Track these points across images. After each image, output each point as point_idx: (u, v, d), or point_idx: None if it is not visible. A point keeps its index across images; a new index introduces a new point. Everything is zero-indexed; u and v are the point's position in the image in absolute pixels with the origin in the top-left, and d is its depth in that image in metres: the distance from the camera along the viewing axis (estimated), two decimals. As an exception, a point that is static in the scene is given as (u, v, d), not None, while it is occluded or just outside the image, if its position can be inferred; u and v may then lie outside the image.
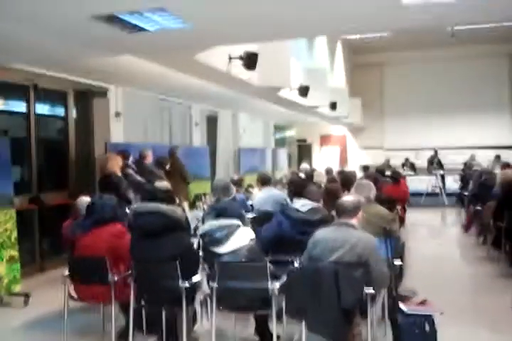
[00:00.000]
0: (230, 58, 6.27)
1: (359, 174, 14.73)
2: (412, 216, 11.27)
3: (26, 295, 5.56)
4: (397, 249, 4.43)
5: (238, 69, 6.56)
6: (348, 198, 3.81)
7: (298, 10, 3.91)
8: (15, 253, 5.67)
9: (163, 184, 5.13)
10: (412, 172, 16.57)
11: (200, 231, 3.93)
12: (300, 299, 3.56)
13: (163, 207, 3.89)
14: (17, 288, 5.68)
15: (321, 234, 3.70)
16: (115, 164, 6.43)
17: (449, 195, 14.94)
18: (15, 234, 5.69)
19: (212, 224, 3.88)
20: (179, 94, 9.53)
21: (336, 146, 19.66)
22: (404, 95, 19.16)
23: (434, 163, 17.24)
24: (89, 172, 7.95)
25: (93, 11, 3.71)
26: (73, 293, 4.28)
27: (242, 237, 3.84)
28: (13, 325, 5.02)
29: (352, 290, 3.44)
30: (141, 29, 4.21)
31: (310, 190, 4.92)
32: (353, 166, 18.87)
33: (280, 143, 17.90)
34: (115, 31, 4.18)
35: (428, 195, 15.31)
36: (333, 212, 4.82)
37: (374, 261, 3.50)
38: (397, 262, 4.11)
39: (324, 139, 19.94)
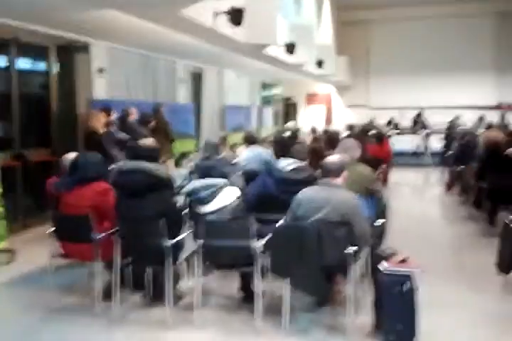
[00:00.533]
0: (216, 13, 6.12)
1: (344, 133, 14.85)
2: (396, 175, 11.30)
3: (11, 252, 5.58)
4: (380, 208, 4.48)
5: (224, 25, 6.40)
6: (332, 158, 3.82)
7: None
8: (0, 209, 5.65)
9: (149, 141, 5.07)
10: (396, 131, 16.62)
11: (185, 190, 3.92)
12: (284, 257, 3.62)
13: (147, 165, 3.85)
14: (2, 245, 5.69)
15: (306, 193, 3.72)
16: (97, 121, 6.33)
17: (433, 154, 15.08)
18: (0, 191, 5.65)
19: (197, 183, 3.88)
20: (164, 50, 9.31)
21: (322, 105, 19.57)
22: (390, 54, 18.95)
23: (419, 123, 17.35)
24: (72, 128, 7.85)
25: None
26: (59, 250, 4.30)
27: (227, 196, 3.86)
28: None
29: (335, 248, 3.50)
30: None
31: (295, 149, 4.92)
32: (339, 125, 18.86)
33: (266, 101, 17.76)
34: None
35: (412, 154, 15.44)
36: (318, 172, 4.89)
37: (357, 220, 3.55)
38: (380, 221, 4.18)
39: (310, 98, 19.82)
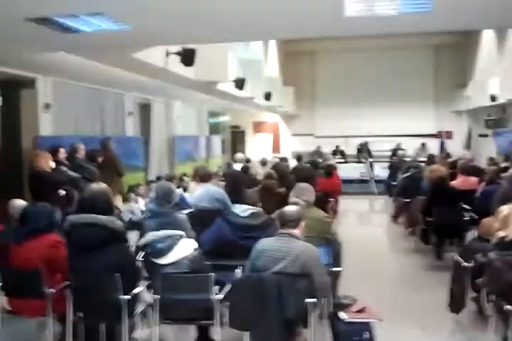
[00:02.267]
0: (168, 54, 6.13)
1: (292, 162, 15.04)
2: (342, 203, 11.38)
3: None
4: (336, 252, 4.53)
5: (176, 65, 6.42)
6: (290, 208, 3.84)
7: (241, 17, 3.86)
8: None
9: (101, 188, 4.92)
10: (342, 160, 17.02)
11: (141, 242, 3.85)
12: (244, 310, 3.58)
13: (102, 218, 3.75)
14: None
15: (264, 244, 3.72)
16: (44, 162, 6.14)
17: (377, 181, 15.51)
18: None
19: (154, 234, 3.82)
20: (112, 83, 9.24)
21: (269, 133, 19.81)
22: (335, 84, 19.48)
23: (363, 151, 17.87)
24: (16, 166, 7.61)
25: (27, 14, 3.50)
26: (6, 306, 4.11)
27: (185, 248, 3.81)
28: None
29: (295, 300, 3.50)
30: (77, 30, 4.02)
31: (245, 195, 4.93)
32: (285, 153, 19.12)
33: (214, 129, 17.80)
34: (49, 32, 3.97)
35: (358, 181, 15.82)
36: (274, 215, 4.91)
37: (316, 272, 3.57)
38: (337, 269, 4.23)
39: (257, 126, 20.03)
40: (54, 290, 3.88)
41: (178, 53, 6.13)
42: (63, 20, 3.71)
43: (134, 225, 7.80)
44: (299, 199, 4.85)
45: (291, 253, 3.57)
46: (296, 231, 3.73)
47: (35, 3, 3.29)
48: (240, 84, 9.37)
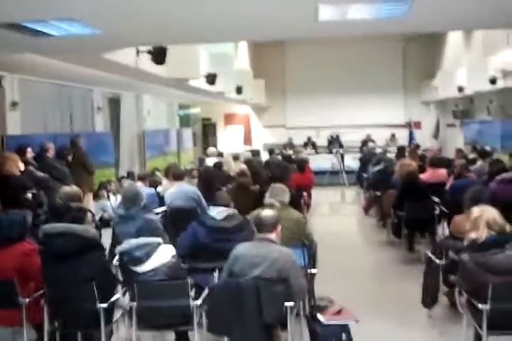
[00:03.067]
0: (138, 52, 6.04)
1: (264, 154, 15.07)
2: (314, 195, 11.27)
3: None
4: (311, 253, 4.58)
5: (146, 63, 6.33)
6: (266, 213, 3.85)
7: (211, 18, 3.82)
8: None
9: (71, 195, 4.84)
10: (313, 151, 17.12)
11: (119, 249, 3.83)
12: (222, 315, 3.60)
13: (75, 227, 3.72)
14: None
15: (242, 249, 3.73)
16: (13, 165, 6.01)
17: (347, 172, 15.67)
18: None
19: (131, 242, 3.80)
20: (80, 80, 9.06)
21: (240, 125, 19.75)
22: (305, 75, 19.48)
23: (334, 142, 18.01)
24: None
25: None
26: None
27: (162, 255, 3.80)
28: None
29: (274, 305, 3.53)
30: (46, 34, 3.93)
31: (218, 195, 4.90)
32: (257, 145, 19.15)
33: (184, 121, 17.66)
34: (18, 36, 3.87)
35: (329, 173, 15.95)
36: (249, 216, 4.92)
37: (294, 276, 3.60)
38: (313, 270, 4.28)
39: (228, 118, 19.94)
40: (28, 300, 3.83)
41: (148, 52, 6.05)
42: (32, 25, 3.62)
43: (105, 223, 7.78)
44: (274, 200, 4.89)
45: (268, 259, 3.59)
46: (273, 236, 3.75)
47: (3, 9, 3.19)
48: (211, 79, 9.32)
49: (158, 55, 6.03)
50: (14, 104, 7.78)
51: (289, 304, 3.55)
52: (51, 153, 7.56)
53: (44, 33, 3.86)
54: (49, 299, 3.77)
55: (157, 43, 5.41)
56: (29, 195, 6.09)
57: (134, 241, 3.77)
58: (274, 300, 3.53)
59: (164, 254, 3.79)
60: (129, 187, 5.39)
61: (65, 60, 5.41)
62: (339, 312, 3.73)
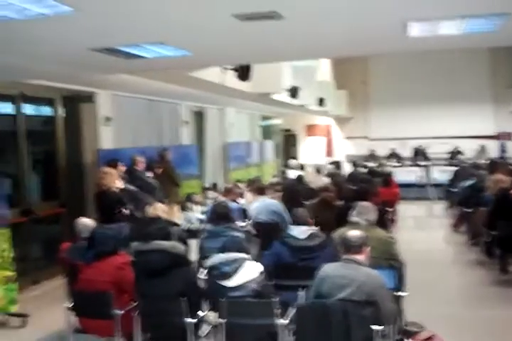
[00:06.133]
0: (224, 70, 6.17)
1: (346, 166, 14.84)
2: (399, 209, 10.83)
3: (24, 316, 5.50)
4: (402, 279, 4.43)
5: (231, 79, 6.46)
6: (354, 233, 3.78)
7: (298, 39, 3.84)
8: (11, 273, 5.58)
9: (158, 210, 5.02)
10: (398, 164, 16.64)
11: (208, 264, 3.90)
12: (309, 336, 3.57)
13: (164, 244, 3.87)
14: (14, 308, 5.61)
15: (328, 270, 3.68)
16: (111, 180, 6.27)
17: (434, 186, 15.04)
18: (11, 254, 5.60)
19: (220, 257, 3.86)
20: (168, 94, 9.36)
21: (322, 136, 19.63)
22: (389, 85, 19.14)
23: (420, 154, 17.40)
24: (79, 179, 7.85)
25: (91, 45, 3.60)
26: (77, 325, 4.24)
27: (250, 271, 3.84)
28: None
29: (362, 328, 3.46)
30: (139, 56, 4.11)
31: (298, 214, 4.84)
32: (339, 156, 18.95)
33: (266, 132, 17.80)
34: (112, 59, 4.07)
35: (414, 186, 15.40)
36: (334, 234, 4.87)
37: (382, 299, 3.51)
38: (402, 293, 4.15)
39: (310, 129, 19.89)
40: (122, 311, 3.99)
41: (234, 69, 6.17)
42: (126, 49, 3.79)
43: (191, 234, 7.97)
44: (360, 219, 4.80)
45: (356, 281, 3.52)
46: (360, 257, 3.68)
47: (99, 36, 3.38)
48: (293, 92, 9.35)
49: (243, 72, 6.14)
50: (107, 119, 8.16)
51: (377, 328, 3.47)
52: (141, 167, 7.83)
53: (137, 55, 4.02)
54: (140, 312, 3.89)
55: (243, 63, 5.51)
56: (125, 211, 6.36)
57: (222, 256, 3.83)
58: (363, 323, 3.45)
59: (252, 270, 3.83)
60: (219, 204, 5.51)
61: (155, 78, 5.62)
62: (429, 338, 3.59)
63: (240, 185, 10.41)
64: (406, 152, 18.03)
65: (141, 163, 7.84)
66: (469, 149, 16.85)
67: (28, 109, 7.08)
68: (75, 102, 7.90)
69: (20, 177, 6.85)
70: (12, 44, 3.50)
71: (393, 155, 17.41)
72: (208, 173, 12.30)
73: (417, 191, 15.08)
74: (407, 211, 12.26)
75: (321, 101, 12.61)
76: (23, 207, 6.76)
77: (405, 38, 3.73)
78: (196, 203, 10.19)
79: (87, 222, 4.90)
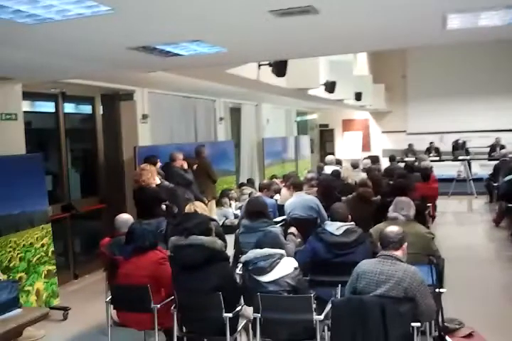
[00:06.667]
0: (260, 65, 6.18)
1: (384, 161, 14.64)
2: (438, 205, 10.59)
3: (65, 309, 5.65)
4: (441, 275, 4.36)
5: (267, 75, 6.45)
6: (391, 229, 3.74)
7: (335, 31, 3.79)
8: (52, 267, 5.75)
9: (198, 207, 5.08)
10: (437, 158, 16.26)
11: (243, 259, 3.93)
12: (346, 332, 3.55)
13: (203, 239, 3.90)
14: (55, 302, 5.77)
15: (365, 266, 3.65)
16: (150, 177, 6.35)
17: (475, 180, 14.66)
18: (52, 249, 5.76)
19: (256, 252, 3.88)
20: (204, 91, 9.43)
21: (359, 131, 19.44)
22: (428, 79, 18.76)
23: (459, 148, 16.96)
24: (118, 175, 7.99)
25: (129, 44, 3.65)
26: (115, 318, 4.34)
27: (285, 266, 3.84)
28: (54, 339, 5.12)
29: (400, 325, 3.42)
30: (176, 54, 4.14)
31: (335, 210, 4.77)
32: (376, 151, 18.73)
33: (302, 127, 17.73)
34: (149, 57, 4.12)
35: (454, 181, 15.06)
36: (371, 230, 4.83)
37: (421, 295, 3.46)
38: (441, 290, 4.08)
39: (346, 124, 19.73)
40: (159, 305, 4.06)
41: (269, 64, 6.16)
42: (163, 47, 3.83)
43: (227, 229, 8.01)
44: (399, 214, 4.74)
45: (394, 277, 3.48)
46: (399, 253, 3.63)
47: (136, 35, 3.42)
48: (330, 87, 9.28)
49: (279, 68, 6.12)
50: (145, 117, 8.29)
51: (415, 324, 3.43)
52: (179, 163, 7.91)
53: (174, 53, 4.06)
54: (178, 306, 3.95)
55: (279, 58, 5.50)
56: (163, 207, 6.45)
57: (258, 251, 3.84)
58: (400, 319, 3.41)
59: (287, 266, 3.83)
60: (255, 200, 5.53)
61: (191, 75, 5.66)
62: (469, 335, 3.53)
63: (275, 180, 10.44)
64: (445, 146, 17.68)
65: (179, 160, 7.92)
66: (510, 143, 16.36)
67: (69, 108, 7.25)
68: (114, 100, 8.04)
69: (61, 174, 7.02)
70: (53, 45, 3.58)
71: (431, 149, 17.05)
72: (244, 169, 12.36)
73: (456, 186, 14.76)
74: (446, 206, 12.06)
75: (358, 96, 12.47)
76: (64, 203, 6.93)
77: (444, 30, 3.65)
78: (232, 199, 10.28)
79: (126, 218, 4.98)
